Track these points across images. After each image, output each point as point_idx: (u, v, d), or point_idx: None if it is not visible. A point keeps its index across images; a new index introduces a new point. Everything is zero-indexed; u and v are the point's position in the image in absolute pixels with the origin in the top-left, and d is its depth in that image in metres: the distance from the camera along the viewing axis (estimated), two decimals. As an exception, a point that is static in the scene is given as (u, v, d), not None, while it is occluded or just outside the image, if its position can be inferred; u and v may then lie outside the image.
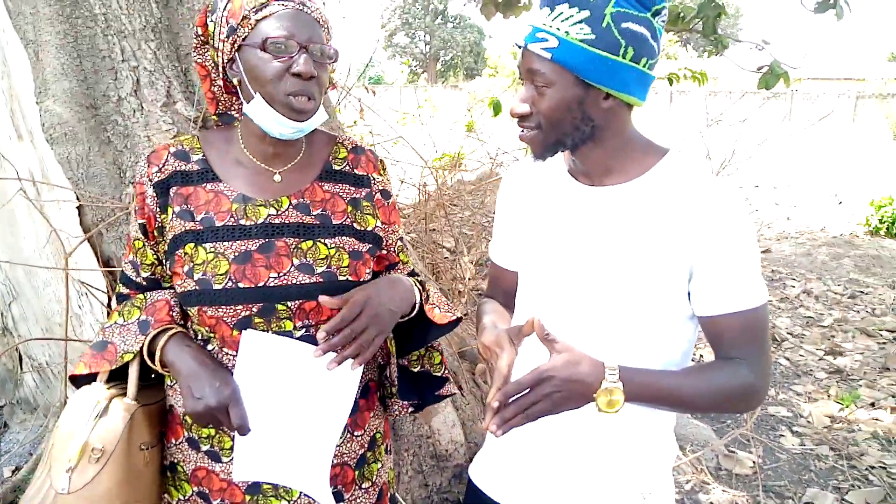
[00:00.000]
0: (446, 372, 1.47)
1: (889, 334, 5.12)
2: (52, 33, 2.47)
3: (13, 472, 2.73)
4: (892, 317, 5.47)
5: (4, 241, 2.85)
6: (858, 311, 5.66)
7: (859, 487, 3.04)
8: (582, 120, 1.08)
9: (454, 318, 1.33)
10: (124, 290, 1.32)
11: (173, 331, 1.21)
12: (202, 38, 1.23)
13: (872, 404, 3.91)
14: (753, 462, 3.19)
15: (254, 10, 1.12)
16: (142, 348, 1.19)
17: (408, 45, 52.46)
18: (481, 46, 52.00)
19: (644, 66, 1.07)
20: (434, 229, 4.78)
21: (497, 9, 4.88)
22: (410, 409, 1.43)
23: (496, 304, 1.34)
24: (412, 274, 1.43)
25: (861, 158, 17.10)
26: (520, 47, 1.10)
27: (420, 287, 1.35)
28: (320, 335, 1.12)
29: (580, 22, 1.03)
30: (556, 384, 1.02)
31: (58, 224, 2.52)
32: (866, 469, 3.20)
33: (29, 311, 2.91)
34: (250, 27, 1.12)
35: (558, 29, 1.04)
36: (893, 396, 4.00)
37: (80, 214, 2.64)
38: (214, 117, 1.30)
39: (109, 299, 2.66)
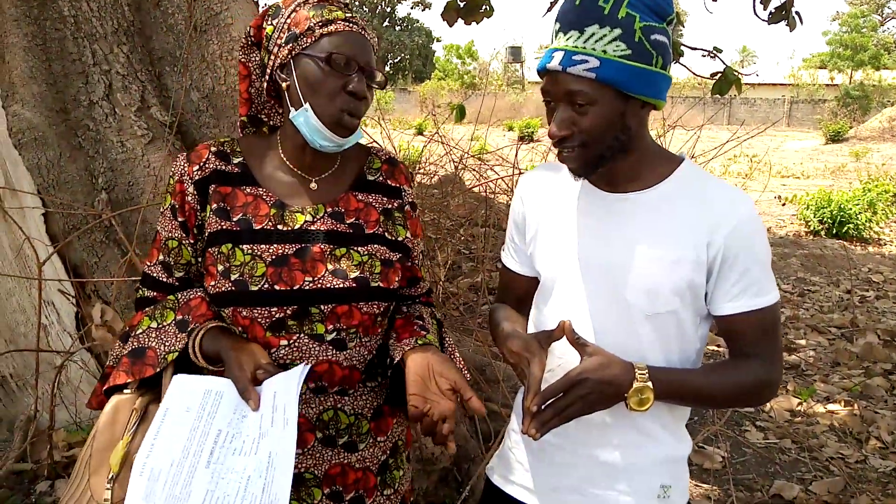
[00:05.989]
0: None
1: (837, 330, 5.34)
2: (19, 35, 2.37)
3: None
4: (838, 314, 5.72)
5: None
6: (808, 309, 5.89)
7: (821, 478, 3.17)
8: (622, 130, 1.14)
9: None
10: (149, 294, 1.29)
11: (205, 328, 1.18)
12: (252, 38, 1.26)
13: (827, 398, 4.08)
14: (722, 457, 3.29)
15: (319, 24, 1.17)
16: (186, 346, 1.17)
17: (356, 47, 52.02)
18: (430, 49, 52.15)
19: (668, 71, 1.13)
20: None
21: (459, 14, 4.91)
22: None
23: (510, 309, 1.35)
24: (429, 293, 1.46)
25: (796, 159, 17.82)
26: (545, 73, 1.13)
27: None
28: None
29: (615, 40, 1.08)
30: (591, 386, 1.05)
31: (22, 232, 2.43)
32: (827, 460, 3.34)
33: (-9, 323, 2.80)
34: (314, 39, 1.17)
35: (594, 49, 1.09)
36: (846, 390, 4.18)
37: (46, 221, 2.56)
38: (244, 118, 1.33)
39: (79, 308, 2.58)
